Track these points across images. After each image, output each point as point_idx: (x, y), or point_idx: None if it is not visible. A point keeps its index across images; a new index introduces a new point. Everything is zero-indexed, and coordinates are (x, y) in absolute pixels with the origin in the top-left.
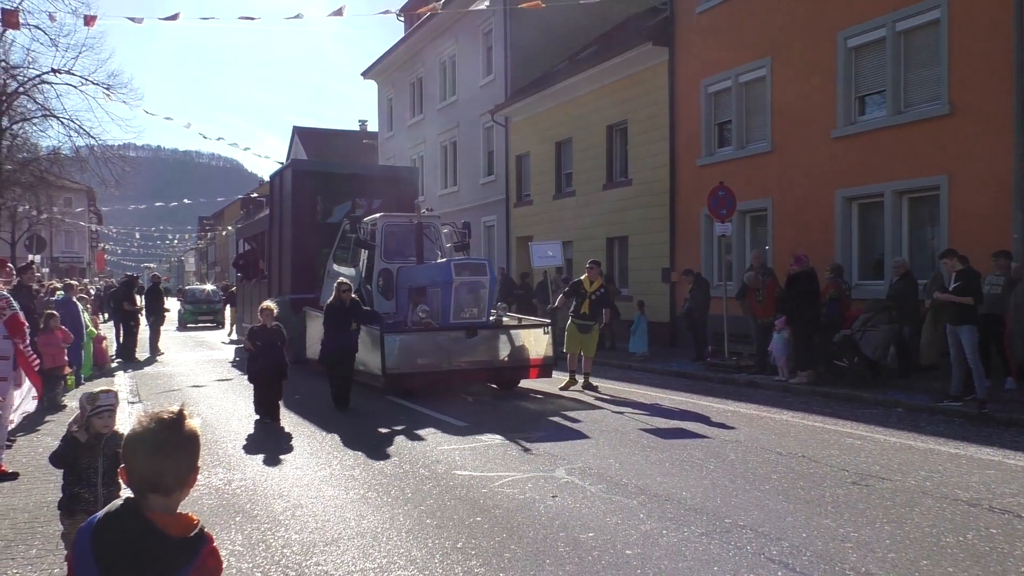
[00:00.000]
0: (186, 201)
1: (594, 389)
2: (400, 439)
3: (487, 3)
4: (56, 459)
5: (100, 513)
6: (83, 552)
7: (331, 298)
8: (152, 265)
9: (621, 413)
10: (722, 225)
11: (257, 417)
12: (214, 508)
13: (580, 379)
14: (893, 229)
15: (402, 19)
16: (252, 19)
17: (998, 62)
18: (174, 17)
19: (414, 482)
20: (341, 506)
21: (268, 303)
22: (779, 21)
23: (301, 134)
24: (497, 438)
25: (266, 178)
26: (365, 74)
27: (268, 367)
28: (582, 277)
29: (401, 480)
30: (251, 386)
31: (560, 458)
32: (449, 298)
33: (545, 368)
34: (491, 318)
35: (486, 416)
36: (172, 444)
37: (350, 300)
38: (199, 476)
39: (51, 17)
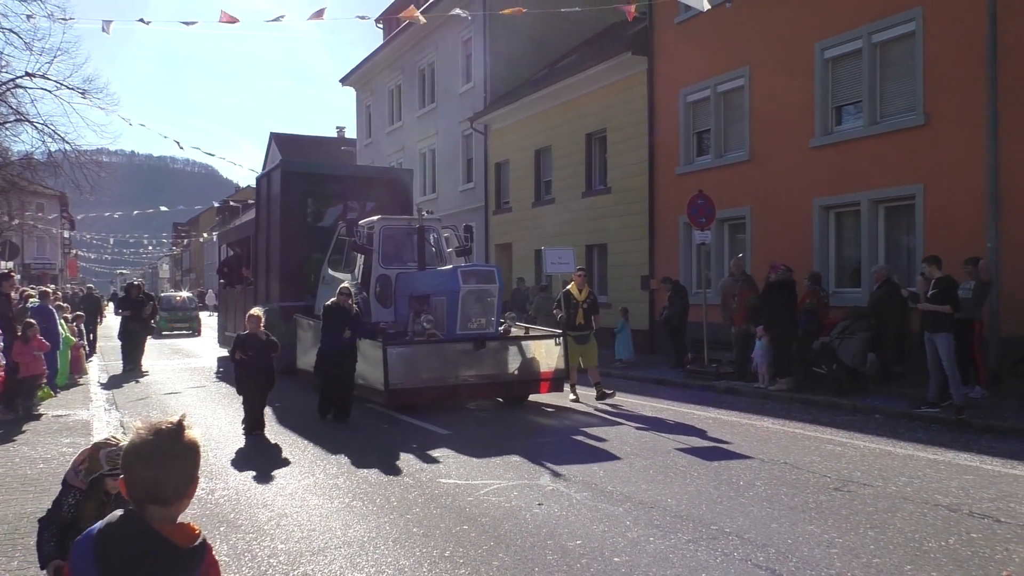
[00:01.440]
0: (163, 208)
1: (610, 396)
2: (383, 447)
3: (467, 12)
4: (51, 519)
5: (99, 525)
6: (83, 564)
7: (331, 301)
8: (126, 271)
9: (603, 420)
10: (702, 233)
11: (247, 433)
12: (197, 518)
13: (576, 391)
14: (870, 237)
15: (381, 26)
16: (234, 21)
17: (972, 73)
18: (147, 22)
19: (399, 491)
20: (326, 515)
21: (256, 310)
22: (757, 31)
23: (279, 140)
24: (480, 446)
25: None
26: (343, 80)
27: (259, 377)
28: (569, 287)
29: (386, 489)
30: (232, 395)
31: (544, 466)
32: (456, 307)
33: (556, 381)
34: (499, 329)
35: (469, 424)
36: (172, 454)
37: (350, 306)
38: (197, 486)
39: (29, 18)
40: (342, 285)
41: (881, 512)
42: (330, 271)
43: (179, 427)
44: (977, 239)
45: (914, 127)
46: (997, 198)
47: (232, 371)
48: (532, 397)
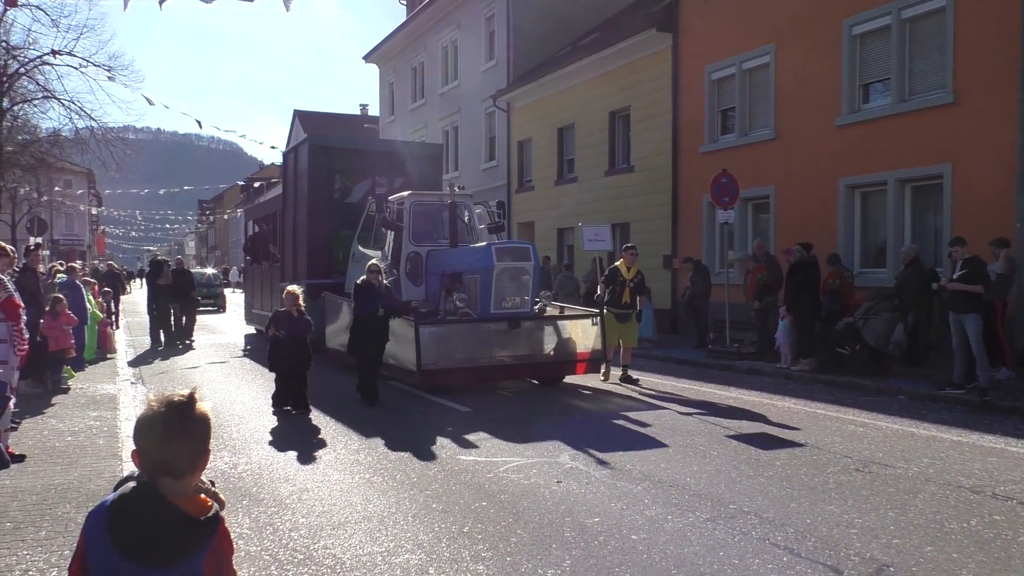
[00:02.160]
0: (187, 188)
1: (634, 382)
2: (404, 424)
3: None
4: None
5: (111, 496)
6: (97, 536)
7: (361, 279)
8: (152, 248)
9: (623, 400)
10: (725, 212)
11: (276, 410)
12: (220, 492)
13: (617, 371)
14: (896, 217)
15: (404, 3)
16: (249, 0)
17: (1003, 51)
18: None
19: (419, 467)
20: (347, 490)
21: (293, 287)
22: (784, 7)
23: (302, 117)
24: (501, 425)
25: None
26: (366, 58)
27: (293, 357)
28: (618, 263)
29: (406, 464)
30: (257, 371)
31: (564, 444)
32: (490, 286)
33: (593, 362)
34: (535, 308)
35: (491, 403)
36: (183, 427)
37: (379, 283)
38: (208, 459)
39: None
40: (371, 262)
41: (902, 493)
42: (360, 248)
43: (190, 400)
44: (1006, 219)
45: (943, 105)
46: None
47: (262, 347)
48: (568, 378)
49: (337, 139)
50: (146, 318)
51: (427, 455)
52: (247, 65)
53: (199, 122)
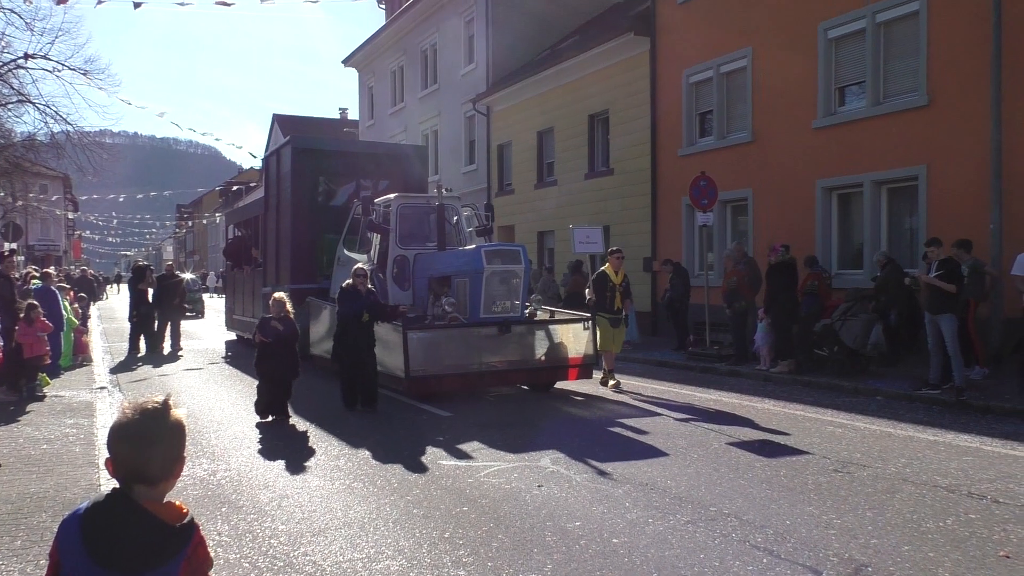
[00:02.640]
0: (165, 193)
1: (614, 387)
2: (384, 429)
3: None
4: None
5: (85, 504)
6: (70, 543)
7: (346, 283)
8: (129, 253)
9: (608, 403)
10: (704, 215)
11: (260, 420)
12: (199, 499)
13: (615, 376)
14: (872, 219)
15: (383, 7)
16: (227, 4)
17: (976, 54)
18: (138, 3)
19: (400, 472)
20: (327, 496)
21: (281, 294)
22: (760, 11)
23: (281, 121)
24: (482, 429)
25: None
26: (346, 62)
27: (280, 365)
28: (605, 267)
29: (386, 470)
30: (236, 377)
31: (545, 448)
32: (479, 289)
33: (585, 368)
34: (526, 312)
35: (471, 406)
36: (157, 434)
37: (365, 288)
38: (183, 466)
39: (27, 3)
40: (357, 266)
41: (880, 493)
42: (345, 251)
43: (164, 407)
44: (980, 220)
45: (917, 108)
46: (1000, 180)
47: (243, 354)
48: (559, 384)
49: (320, 141)
50: (123, 324)
51: (408, 460)
52: (225, 69)
53: (177, 124)
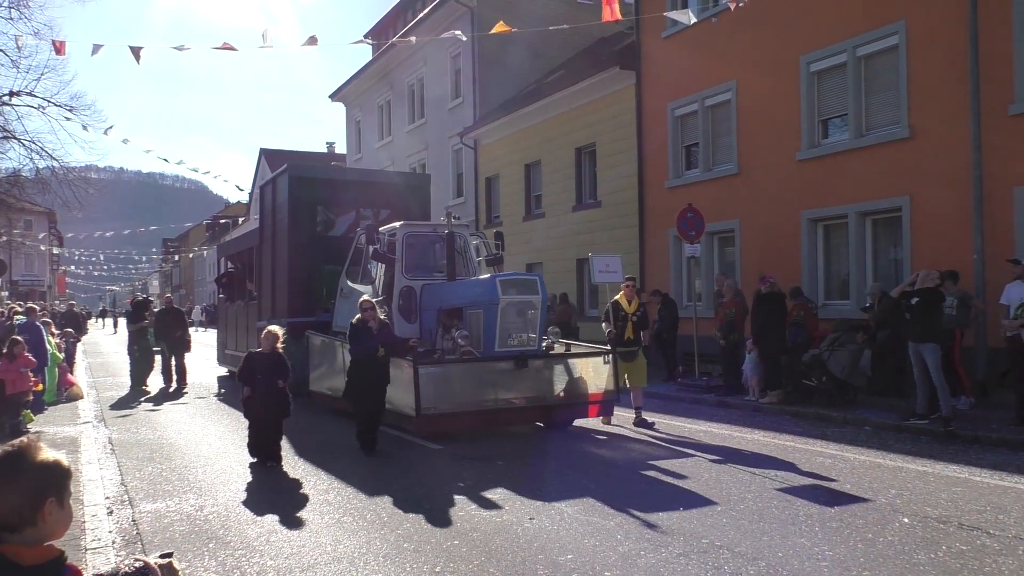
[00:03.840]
0: (152, 228)
1: (649, 426)
2: (373, 463)
3: (458, 32)
4: None
5: None
6: None
7: (356, 317)
8: (115, 288)
9: (593, 434)
10: (691, 246)
11: (253, 460)
12: (186, 535)
13: (627, 413)
14: (857, 250)
15: (371, 42)
16: (232, 49)
17: (955, 86)
18: (137, 49)
19: (389, 506)
20: (316, 531)
21: (274, 328)
22: (743, 45)
23: (268, 156)
24: (474, 462)
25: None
26: (333, 96)
27: (269, 403)
28: (618, 297)
29: (376, 504)
30: (223, 411)
31: (534, 480)
32: (495, 322)
33: (606, 404)
34: (543, 346)
35: (460, 440)
36: (4, 479)
37: (376, 321)
38: (170, 502)
39: (17, 44)
40: (363, 298)
41: (871, 525)
42: (348, 283)
43: (16, 450)
44: (963, 251)
45: (899, 140)
46: (982, 210)
47: (234, 389)
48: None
49: (318, 169)
50: (109, 358)
51: (397, 494)
52: (211, 102)
53: (165, 159)
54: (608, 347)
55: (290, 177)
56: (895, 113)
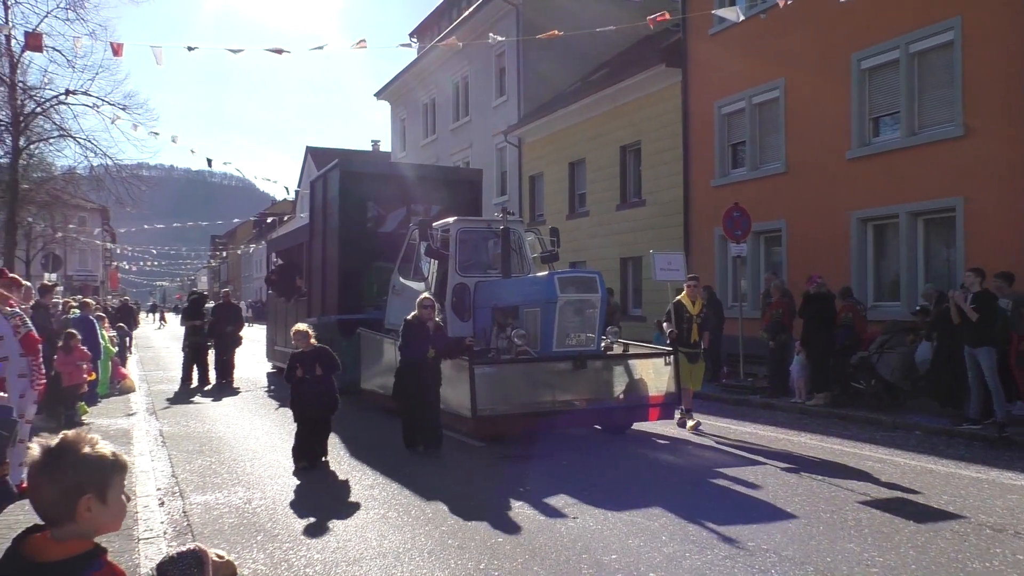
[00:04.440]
0: (202, 223)
1: (692, 427)
2: (417, 459)
3: (501, 36)
4: None
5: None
6: None
7: (412, 315)
8: (165, 283)
9: (636, 434)
10: (737, 246)
11: (300, 465)
12: (235, 527)
13: (694, 416)
14: (909, 251)
15: (415, 40)
16: (280, 52)
17: (1012, 83)
18: (193, 48)
19: (434, 502)
20: (362, 526)
21: (300, 326)
22: (792, 42)
23: (314, 154)
24: (516, 460)
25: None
26: (378, 95)
27: (317, 401)
28: (680, 296)
29: (420, 500)
30: (271, 405)
31: (578, 478)
32: (552, 321)
33: (667, 407)
34: (601, 345)
35: (506, 437)
36: (42, 474)
37: (433, 322)
38: (219, 495)
39: (76, 44)
40: (423, 295)
41: (923, 532)
42: (401, 279)
43: (56, 445)
44: (1019, 252)
45: (953, 138)
46: None
47: (283, 385)
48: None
49: (370, 164)
50: (159, 352)
51: (442, 491)
52: (260, 103)
53: (209, 160)
54: (670, 348)
55: (341, 172)
56: (949, 111)
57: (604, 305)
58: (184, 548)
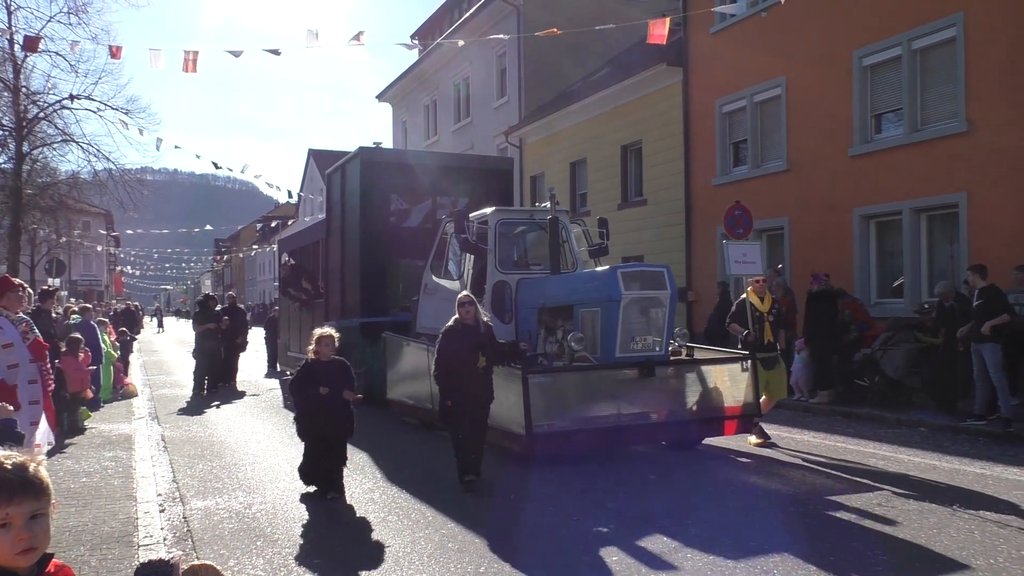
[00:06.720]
0: (208, 228)
1: (764, 441)
2: (417, 462)
3: (502, 35)
4: None
5: None
6: None
7: (452, 319)
8: (169, 287)
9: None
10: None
11: (308, 490)
12: (235, 532)
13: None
14: (912, 247)
15: (416, 42)
16: (276, 52)
17: (1015, 79)
18: (193, 52)
19: (434, 506)
20: (362, 529)
21: (328, 329)
22: (793, 40)
23: (316, 156)
24: (516, 460)
25: (281, 201)
26: (380, 97)
27: (331, 420)
28: (745, 294)
29: (421, 503)
30: (273, 409)
31: (574, 479)
32: (616, 322)
33: (745, 420)
34: (669, 350)
35: None
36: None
37: (478, 321)
38: (220, 499)
39: (72, 46)
40: (462, 294)
41: (927, 528)
42: (433, 278)
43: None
44: (1023, 246)
45: (956, 134)
46: None
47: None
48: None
49: (393, 153)
50: (163, 357)
51: (442, 494)
52: (263, 105)
53: (215, 163)
54: (747, 352)
55: (362, 162)
56: (952, 107)
57: (674, 304)
58: (157, 557)
